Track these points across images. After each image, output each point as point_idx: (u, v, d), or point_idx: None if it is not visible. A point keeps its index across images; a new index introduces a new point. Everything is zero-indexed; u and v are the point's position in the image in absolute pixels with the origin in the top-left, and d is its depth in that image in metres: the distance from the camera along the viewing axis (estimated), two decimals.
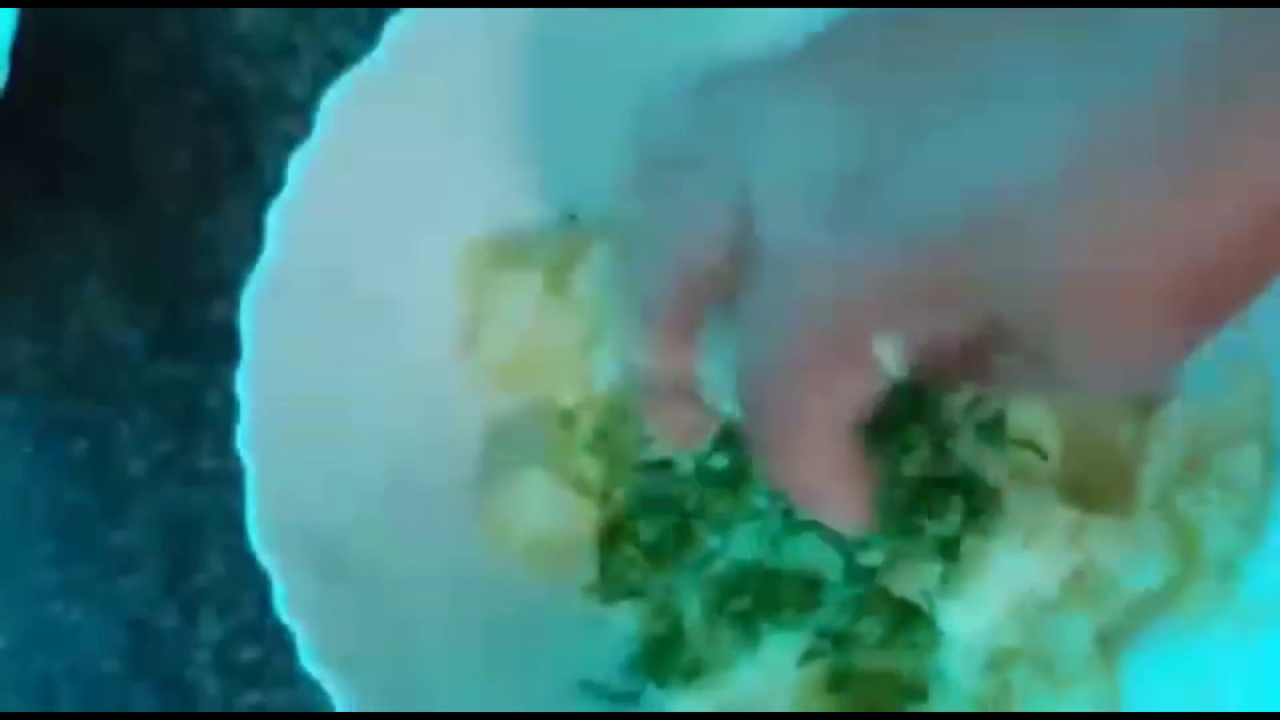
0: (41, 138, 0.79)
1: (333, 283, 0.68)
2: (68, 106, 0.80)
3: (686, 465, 0.69)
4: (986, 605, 0.64)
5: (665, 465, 0.70)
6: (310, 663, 0.62)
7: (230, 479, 0.75)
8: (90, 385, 0.76)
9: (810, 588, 0.65)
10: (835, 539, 0.65)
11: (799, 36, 0.45)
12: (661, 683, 0.67)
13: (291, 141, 0.78)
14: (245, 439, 0.65)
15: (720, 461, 0.68)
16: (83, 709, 0.72)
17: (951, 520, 0.64)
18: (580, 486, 0.70)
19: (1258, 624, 0.65)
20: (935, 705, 0.68)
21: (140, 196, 0.79)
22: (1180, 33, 0.31)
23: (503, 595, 0.69)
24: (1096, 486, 0.68)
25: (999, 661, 0.66)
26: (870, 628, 0.67)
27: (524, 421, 0.71)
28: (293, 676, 0.72)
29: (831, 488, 0.47)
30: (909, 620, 0.67)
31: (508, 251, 0.72)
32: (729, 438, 0.68)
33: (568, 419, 0.71)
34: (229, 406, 0.71)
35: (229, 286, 0.78)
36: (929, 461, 0.66)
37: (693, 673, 0.67)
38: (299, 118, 0.80)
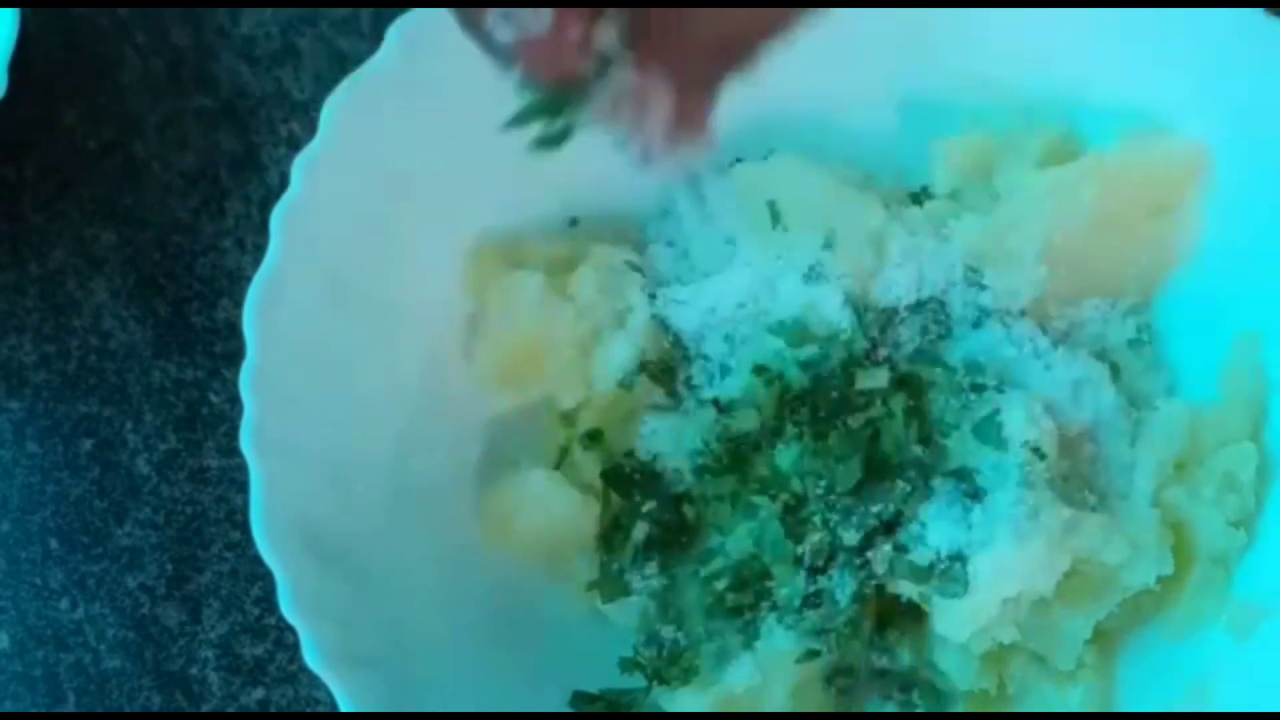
0: (46, 140, 0.79)
1: (335, 283, 0.68)
2: (72, 109, 0.80)
3: (686, 465, 0.69)
4: (983, 603, 0.64)
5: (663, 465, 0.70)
6: (313, 660, 0.62)
7: (234, 478, 0.76)
8: (95, 385, 0.76)
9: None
10: (834, 538, 0.65)
11: None
12: (661, 680, 0.68)
13: (295, 143, 0.79)
14: (249, 438, 0.65)
15: (720, 462, 0.68)
16: (88, 706, 0.72)
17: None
18: (580, 486, 0.70)
19: (1251, 622, 0.66)
20: (932, 702, 0.68)
21: (145, 198, 0.79)
22: None
23: (503, 595, 0.70)
24: (1092, 485, 0.68)
25: (996, 658, 0.67)
26: (868, 625, 0.67)
27: (524, 421, 0.71)
28: (295, 673, 0.73)
29: None
30: (906, 618, 0.68)
31: (508, 252, 0.72)
32: (729, 440, 0.69)
33: (568, 419, 0.71)
34: (233, 406, 0.71)
35: (233, 287, 0.78)
36: (906, 436, 0.66)
37: (692, 669, 0.67)
38: (302, 120, 0.81)
